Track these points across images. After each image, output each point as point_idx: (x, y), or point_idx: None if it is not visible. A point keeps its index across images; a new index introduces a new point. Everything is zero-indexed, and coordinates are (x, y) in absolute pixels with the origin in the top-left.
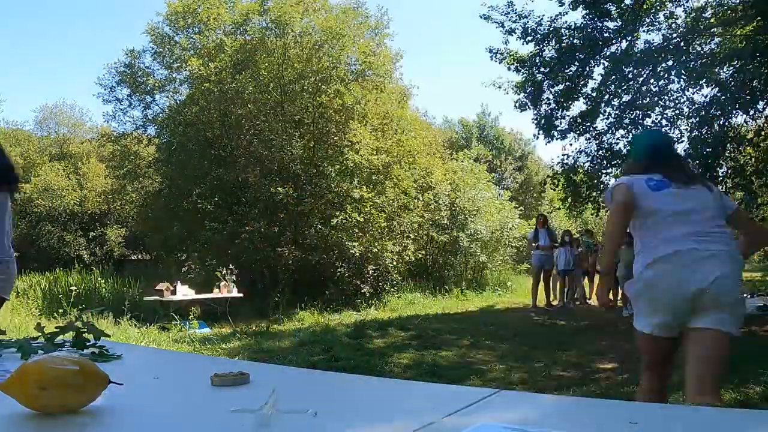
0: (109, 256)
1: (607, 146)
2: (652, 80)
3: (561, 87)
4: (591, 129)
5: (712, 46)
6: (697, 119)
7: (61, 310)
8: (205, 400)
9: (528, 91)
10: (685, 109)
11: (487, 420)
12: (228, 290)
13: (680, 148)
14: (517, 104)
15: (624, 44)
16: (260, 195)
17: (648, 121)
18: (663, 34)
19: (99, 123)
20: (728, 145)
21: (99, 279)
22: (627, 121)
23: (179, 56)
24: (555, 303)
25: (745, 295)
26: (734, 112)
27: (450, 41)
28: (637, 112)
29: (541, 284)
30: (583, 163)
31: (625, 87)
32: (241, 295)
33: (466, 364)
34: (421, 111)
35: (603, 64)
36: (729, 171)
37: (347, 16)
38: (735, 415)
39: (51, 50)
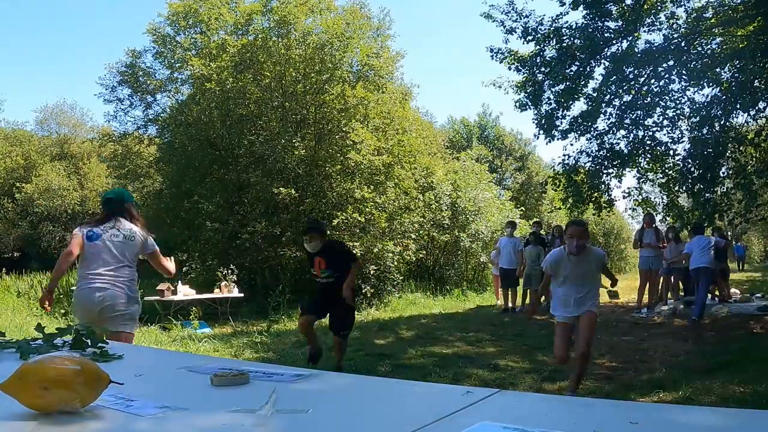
0: None
1: (608, 146)
2: (653, 80)
3: (561, 87)
4: (592, 129)
5: (713, 47)
6: (698, 119)
7: (62, 311)
8: (205, 400)
9: (528, 90)
10: (686, 109)
11: (487, 420)
12: (229, 290)
13: (681, 148)
14: (518, 104)
15: (625, 44)
16: (261, 195)
17: (649, 121)
18: (664, 34)
19: (100, 123)
20: (729, 145)
21: None
22: (628, 121)
23: (181, 56)
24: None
25: (748, 295)
26: (735, 112)
27: (451, 41)
28: (638, 112)
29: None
30: (584, 164)
31: (626, 87)
32: (241, 295)
33: (466, 363)
34: (422, 111)
35: (604, 64)
36: (730, 171)
37: (353, 17)
38: (735, 414)
39: (52, 50)
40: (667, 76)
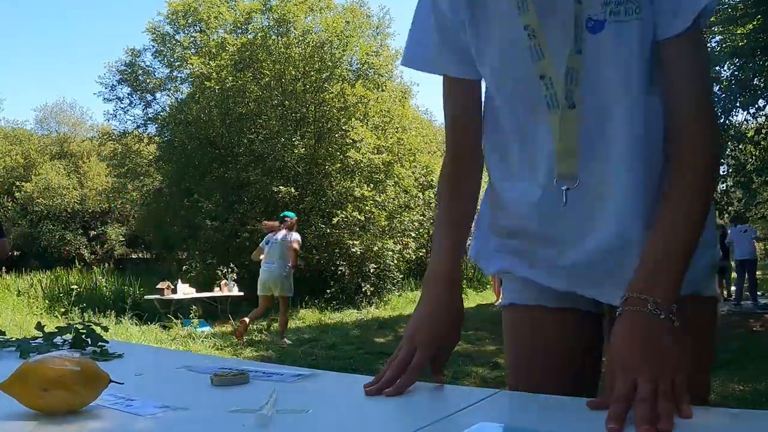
0: (110, 254)
1: None
2: None
3: None
4: None
5: (713, 45)
6: None
7: (62, 309)
8: (205, 400)
9: None
10: None
11: (487, 420)
12: (228, 289)
13: None
14: None
15: None
16: (261, 194)
17: None
18: None
19: (100, 122)
20: (729, 143)
21: (100, 278)
22: None
23: (180, 55)
24: None
25: (748, 293)
26: (735, 110)
27: None
28: None
29: None
30: None
31: None
32: (241, 293)
33: (466, 362)
34: (422, 109)
35: None
36: (729, 169)
37: (353, 15)
38: (735, 414)
39: (52, 49)
40: None
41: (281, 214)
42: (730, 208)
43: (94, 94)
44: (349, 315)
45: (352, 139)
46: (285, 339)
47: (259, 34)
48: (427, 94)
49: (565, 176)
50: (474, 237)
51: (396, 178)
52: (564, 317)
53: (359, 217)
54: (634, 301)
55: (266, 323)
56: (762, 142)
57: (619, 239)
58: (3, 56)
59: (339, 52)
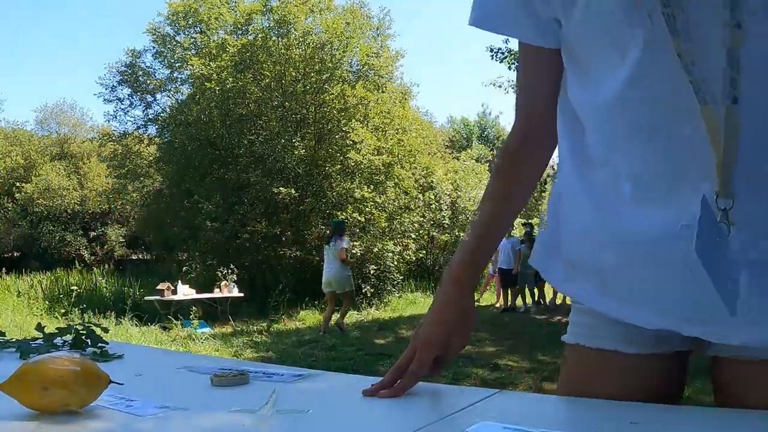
0: (110, 255)
1: None
2: None
3: None
4: None
5: None
6: None
7: (62, 310)
8: (204, 400)
9: None
10: None
11: (487, 420)
12: (229, 290)
13: None
14: None
15: None
16: (261, 195)
17: None
18: None
19: (100, 123)
20: None
21: (100, 279)
22: None
23: (180, 56)
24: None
25: None
26: None
27: (452, 40)
28: None
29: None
30: None
31: None
32: (241, 294)
33: (466, 363)
34: (422, 110)
35: None
36: None
37: (353, 17)
38: (735, 415)
39: (52, 50)
40: None
41: (333, 221)
42: None
43: (95, 95)
44: (349, 316)
45: (353, 141)
46: (343, 325)
47: (260, 35)
48: (427, 95)
49: (726, 193)
50: (540, 235)
51: (396, 180)
52: (648, 366)
53: (359, 218)
54: None
55: (266, 324)
56: None
57: (755, 250)
58: (3, 56)
59: (339, 54)
